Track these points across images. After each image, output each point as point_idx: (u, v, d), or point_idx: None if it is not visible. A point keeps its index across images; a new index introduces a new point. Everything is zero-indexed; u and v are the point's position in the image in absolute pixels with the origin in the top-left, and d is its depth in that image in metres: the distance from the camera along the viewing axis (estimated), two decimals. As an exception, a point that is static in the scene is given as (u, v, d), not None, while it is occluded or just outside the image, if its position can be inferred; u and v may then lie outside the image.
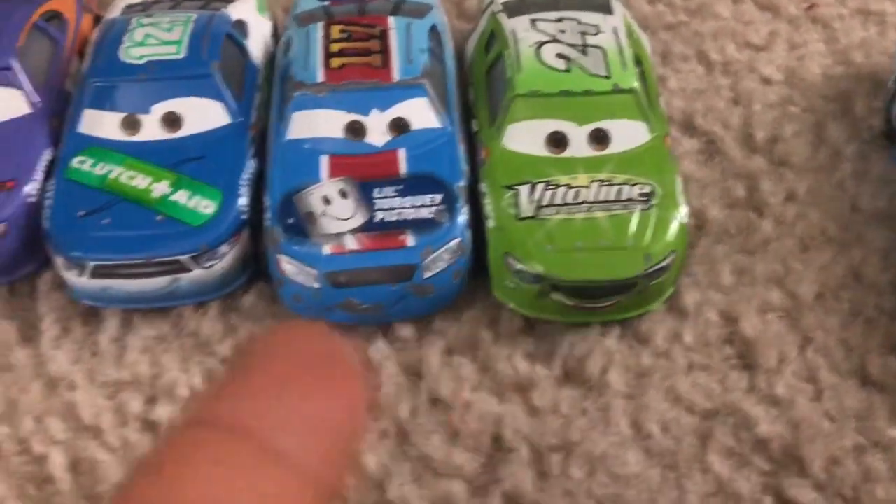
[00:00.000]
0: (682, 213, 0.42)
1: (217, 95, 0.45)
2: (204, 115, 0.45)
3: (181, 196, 0.43)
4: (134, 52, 0.46)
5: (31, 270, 0.45)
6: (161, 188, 0.43)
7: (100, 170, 0.44)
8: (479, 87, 0.47)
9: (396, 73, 0.44)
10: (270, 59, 0.50)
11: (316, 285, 0.41)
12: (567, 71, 0.44)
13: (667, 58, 0.53)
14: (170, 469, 0.20)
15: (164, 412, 0.41)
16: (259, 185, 0.44)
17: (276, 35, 0.52)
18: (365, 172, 0.43)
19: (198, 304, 0.44)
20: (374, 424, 0.40)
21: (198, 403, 0.23)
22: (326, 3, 0.49)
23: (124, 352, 0.43)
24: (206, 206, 0.42)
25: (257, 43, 0.50)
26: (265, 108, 0.47)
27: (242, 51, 0.48)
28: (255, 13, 0.51)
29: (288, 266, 0.41)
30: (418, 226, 0.41)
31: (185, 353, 0.43)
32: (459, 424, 0.40)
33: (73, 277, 0.42)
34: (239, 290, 0.44)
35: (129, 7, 0.50)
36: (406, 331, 0.43)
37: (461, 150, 0.44)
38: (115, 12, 0.50)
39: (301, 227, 0.41)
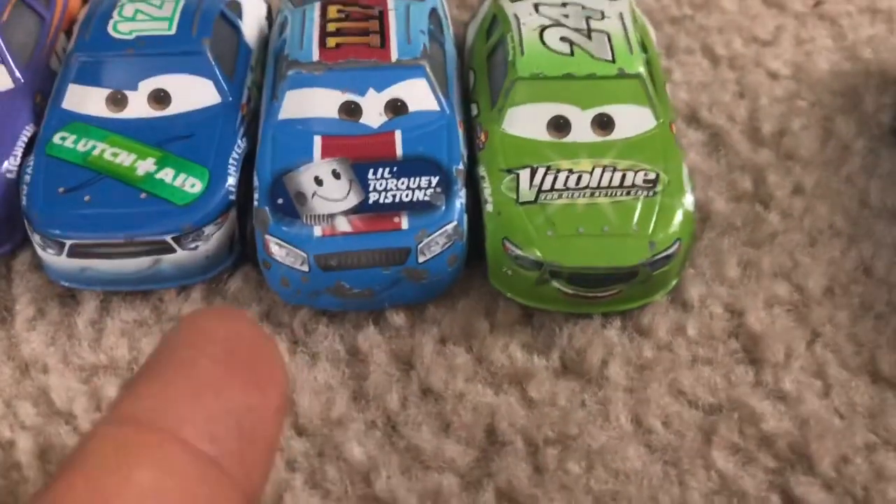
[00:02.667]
0: (688, 201, 0.40)
1: (208, 73, 0.43)
2: (193, 92, 0.43)
3: (166, 174, 0.41)
4: (123, 27, 0.44)
5: (6, 251, 0.43)
6: (146, 166, 0.41)
7: (82, 146, 0.42)
8: (479, 72, 0.45)
9: (395, 53, 0.43)
10: (264, 41, 0.49)
11: (305, 268, 0.39)
12: (570, 54, 0.43)
13: (671, 51, 0.52)
14: (94, 471, 0.20)
15: (141, 398, 0.39)
16: (248, 167, 0.42)
17: (270, 18, 0.51)
18: (359, 154, 0.41)
19: (180, 288, 0.42)
20: (361, 415, 0.38)
21: (121, 399, 0.22)
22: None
23: (101, 335, 0.41)
24: (192, 185, 0.41)
25: (251, 24, 0.48)
26: (257, 89, 0.46)
27: (236, 30, 0.47)
28: (250, -5, 0.50)
29: (276, 248, 0.39)
30: (413, 208, 0.40)
31: (165, 338, 0.41)
32: (452, 416, 0.38)
33: (50, 257, 0.40)
34: (224, 273, 0.43)
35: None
36: (398, 318, 0.41)
37: (460, 133, 0.42)
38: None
39: (291, 208, 0.40)
